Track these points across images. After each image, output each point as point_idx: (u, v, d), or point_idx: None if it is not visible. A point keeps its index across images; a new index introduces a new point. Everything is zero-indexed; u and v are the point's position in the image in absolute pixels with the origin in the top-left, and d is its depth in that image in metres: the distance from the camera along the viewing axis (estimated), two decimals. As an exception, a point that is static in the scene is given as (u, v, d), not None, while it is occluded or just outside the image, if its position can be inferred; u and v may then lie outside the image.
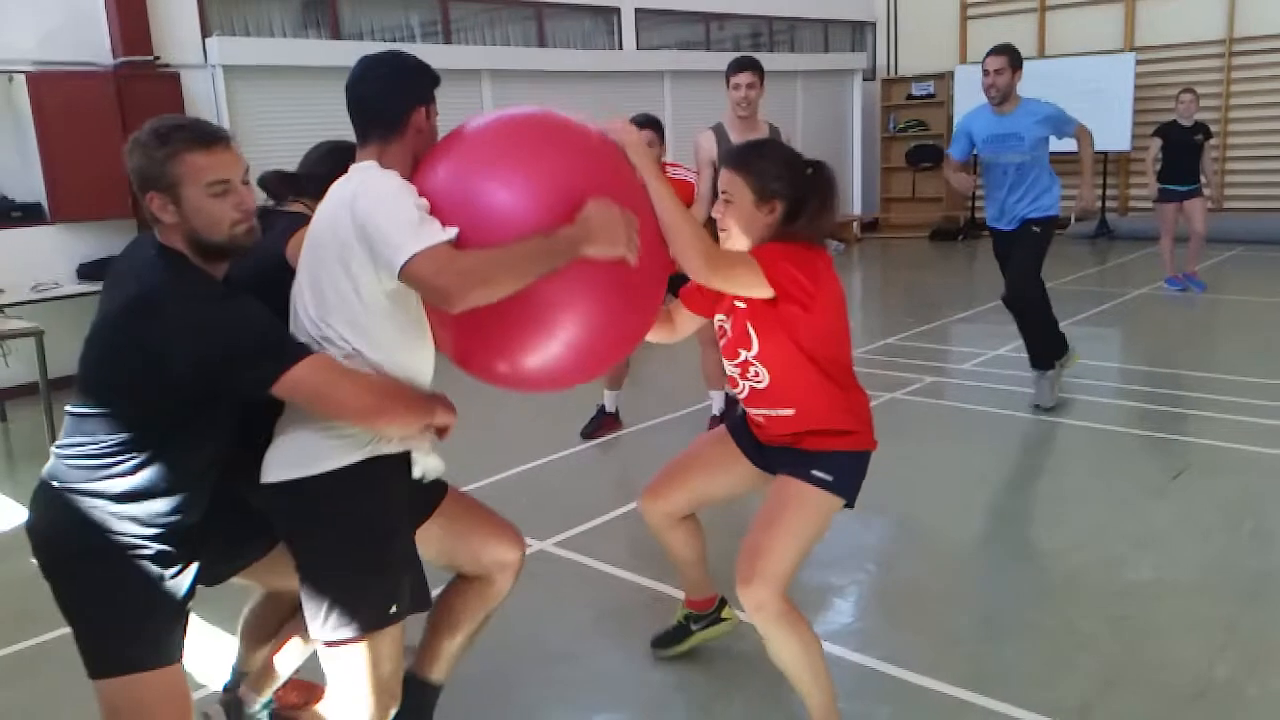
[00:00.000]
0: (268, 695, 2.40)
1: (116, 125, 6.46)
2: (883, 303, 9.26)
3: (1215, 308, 7.55)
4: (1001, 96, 4.83)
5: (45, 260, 6.47)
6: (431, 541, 2.19)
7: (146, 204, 1.84)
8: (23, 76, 6.30)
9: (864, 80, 12.62)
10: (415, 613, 2.04)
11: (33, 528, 1.89)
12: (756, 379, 2.32)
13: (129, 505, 1.84)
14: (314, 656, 2.26)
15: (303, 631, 2.33)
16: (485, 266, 1.75)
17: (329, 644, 1.90)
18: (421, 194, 1.85)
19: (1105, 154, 10.89)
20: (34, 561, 1.89)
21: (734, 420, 2.59)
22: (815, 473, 2.26)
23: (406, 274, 1.74)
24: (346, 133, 2.07)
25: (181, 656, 1.93)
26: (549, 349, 1.95)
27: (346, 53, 6.51)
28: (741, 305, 2.30)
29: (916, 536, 3.70)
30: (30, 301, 6.04)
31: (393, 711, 1.99)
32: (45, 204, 6.48)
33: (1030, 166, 4.83)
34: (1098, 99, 10.43)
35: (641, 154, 2.06)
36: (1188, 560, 3.34)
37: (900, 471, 4.27)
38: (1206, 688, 2.57)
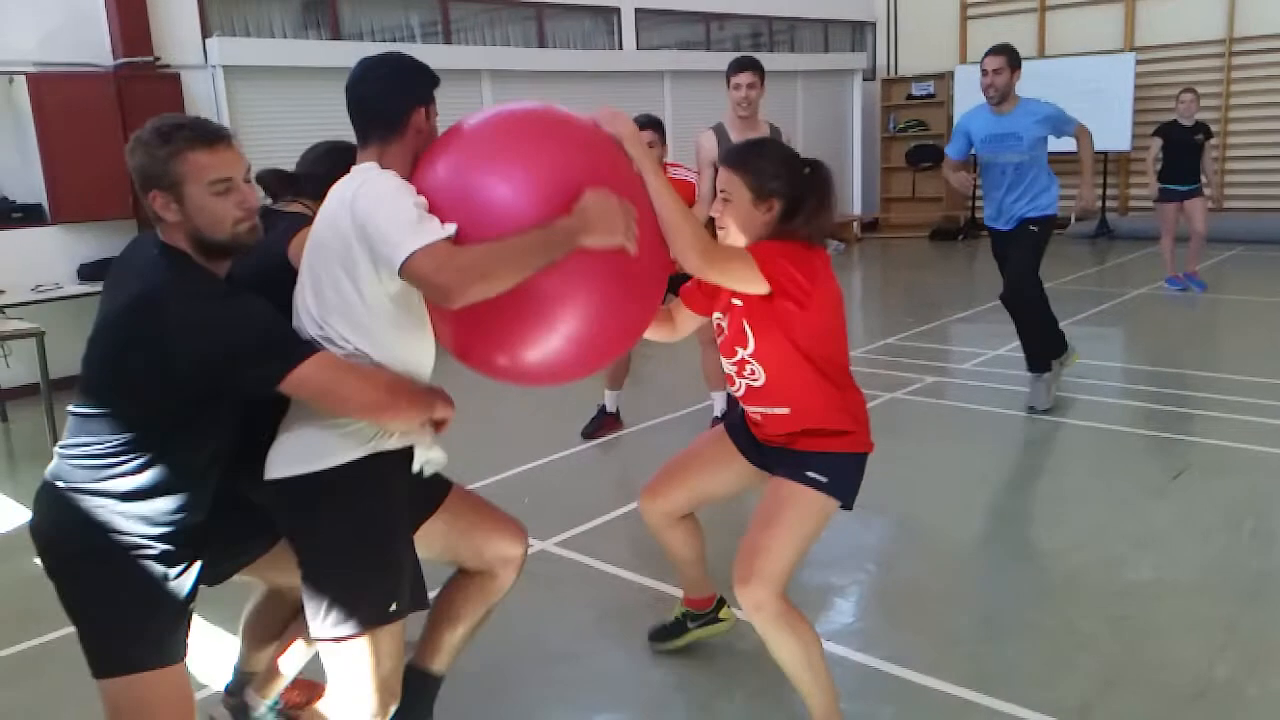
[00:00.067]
0: (273, 698, 2.41)
1: (117, 126, 6.46)
2: (883, 302, 9.26)
3: (1215, 307, 7.56)
4: (1000, 96, 4.83)
5: (46, 261, 6.47)
6: (436, 537, 2.20)
7: (149, 203, 1.84)
8: (23, 77, 6.30)
9: (864, 80, 12.62)
10: (413, 611, 2.04)
11: (36, 528, 1.89)
12: (753, 377, 2.32)
13: (135, 504, 1.85)
14: (317, 657, 2.26)
15: (306, 634, 2.34)
16: (484, 261, 1.76)
17: (329, 640, 1.91)
18: (420, 191, 1.86)
19: (1105, 154, 10.89)
20: (37, 561, 1.89)
21: (731, 419, 2.60)
22: (810, 474, 2.27)
23: (406, 271, 1.75)
24: (347, 133, 2.08)
25: (185, 656, 1.93)
26: (549, 341, 1.95)
27: (346, 53, 6.51)
28: (738, 303, 2.31)
29: (917, 536, 3.70)
30: (31, 302, 6.04)
31: (393, 708, 2.00)
32: (46, 205, 6.48)
33: (1029, 166, 4.84)
34: (1098, 99, 10.43)
35: (637, 146, 2.06)
36: (1188, 560, 3.34)
37: (901, 471, 4.28)
38: (1207, 687, 2.58)
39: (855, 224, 12.45)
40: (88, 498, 1.83)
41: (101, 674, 1.86)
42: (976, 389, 5.48)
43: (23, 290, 6.18)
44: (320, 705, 1.98)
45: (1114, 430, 4.71)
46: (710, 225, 2.35)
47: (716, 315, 2.43)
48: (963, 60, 12.05)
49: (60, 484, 1.85)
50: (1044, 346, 5.02)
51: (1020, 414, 4.98)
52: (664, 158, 4.64)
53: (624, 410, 5.12)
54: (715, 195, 2.35)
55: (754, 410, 2.40)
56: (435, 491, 2.22)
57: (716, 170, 2.39)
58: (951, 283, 9.56)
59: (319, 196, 2.16)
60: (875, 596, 3.28)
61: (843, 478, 2.30)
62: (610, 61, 9.81)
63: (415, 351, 1.97)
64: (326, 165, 2.39)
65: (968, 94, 10.22)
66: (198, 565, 1.97)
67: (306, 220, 2.08)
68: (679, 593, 2.90)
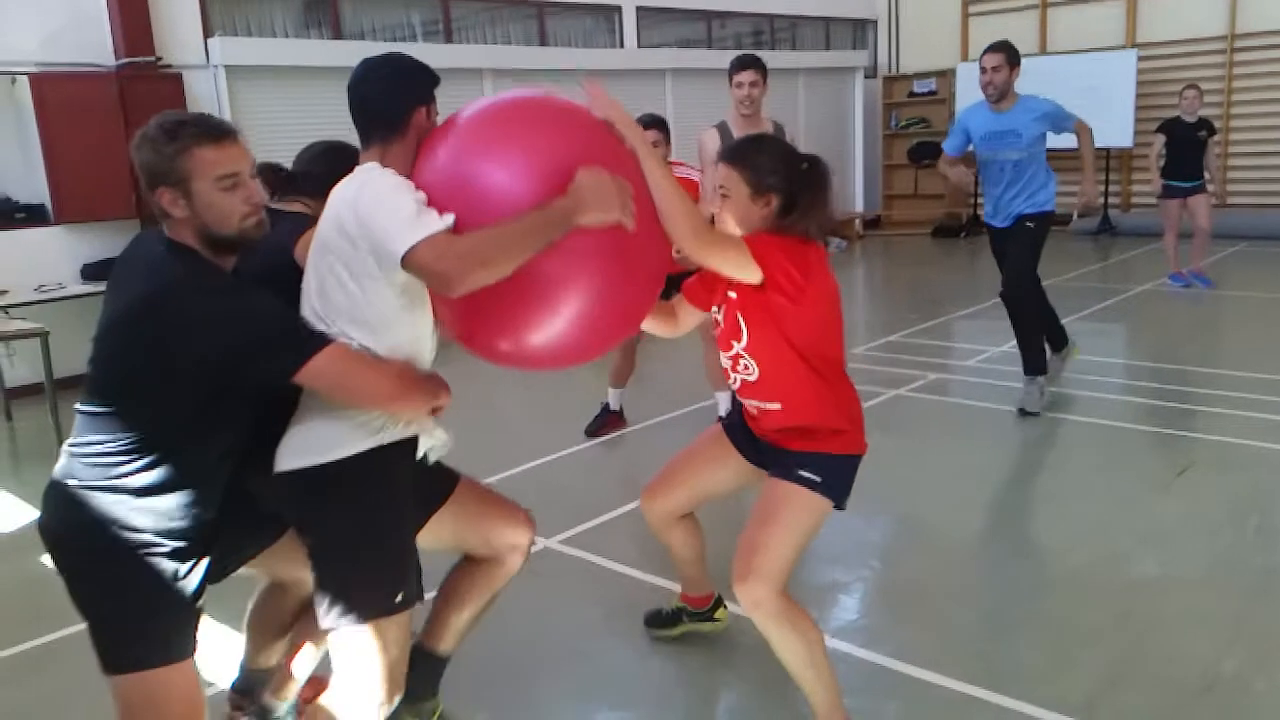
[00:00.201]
0: (291, 699, 2.43)
1: (119, 126, 6.47)
2: (886, 299, 9.26)
3: (1218, 303, 7.55)
4: (999, 94, 4.82)
5: (49, 261, 6.48)
6: (445, 527, 2.23)
7: (156, 199, 1.85)
8: (26, 78, 6.31)
9: (865, 78, 12.62)
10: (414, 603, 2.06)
11: (46, 526, 1.90)
12: (747, 372, 2.34)
13: (149, 499, 1.85)
14: (328, 656, 2.27)
15: (315, 635, 2.36)
16: (483, 247, 1.79)
17: (337, 629, 1.94)
18: (418, 183, 1.89)
19: (1107, 150, 10.89)
20: (43, 560, 1.90)
21: (729, 416, 2.61)
22: (803, 473, 2.27)
23: (408, 263, 1.79)
24: (349, 132, 2.09)
25: (194, 652, 1.95)
26: (551, 324, 1.96)
27: (348, 52, 6.52)
28: (733, 295, 2.31)
29: (921, 533, 3.70)
30: (35, 302, 6.05)
31: (397, 698, 2.02)
32: (49, 205, 6.50)
33: (1027, 164, 4.83)
34: (1099, 95, 10.42)
35: (629, 127, 2.06)
36: (1193, 556, 3.34)
37: (904, 468, 4.28)
38: (1213, 683, 2.57)
39: (857, 221, 12.45)
40: (101, 495, 1.84)
41: (112, 670, 1.87)
42: (979, 386, 5.48)
43: (26, 290, 6.19)
44: (324, 699, 1.99)
45: (1118, 426, 4.71)
46: (712, 222, 2.35)
47: (715, 309, 2.44)
48: (964, 57, 12.04)
49: (72, 482, 1.86)
50: (1038, 347, 4.99)
51: (1024, 410, 4.98)
52: (668, 156, 4.64)
53: (627, 408, 5.12)
54: None
55: (749, 404, 2.41)
56: (444, 484, 2.25)
57: None
58: (954, 280, 9.55)
59: (317, 195, 2.18)
60: (879, 593, 3.28)
61: (835, 478, 2.30)
62: (611, 60, 9.81)
63: (418, 346, 2.00)
64: (324, 165, 2.41)
65: (969, 91, 10.18)
66: (206, 561, 1.98)
67: (311, 220, 2.09)
68: (680, 588, 2.92)
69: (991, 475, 4.32)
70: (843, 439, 2.32)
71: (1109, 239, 10.92)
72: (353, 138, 2.09)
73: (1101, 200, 10.98)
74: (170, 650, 1.89)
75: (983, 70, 4.84)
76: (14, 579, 3.63)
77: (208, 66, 7.13)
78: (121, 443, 1.83)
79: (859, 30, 13.14)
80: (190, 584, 1.93)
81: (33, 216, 6.48)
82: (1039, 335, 4.99)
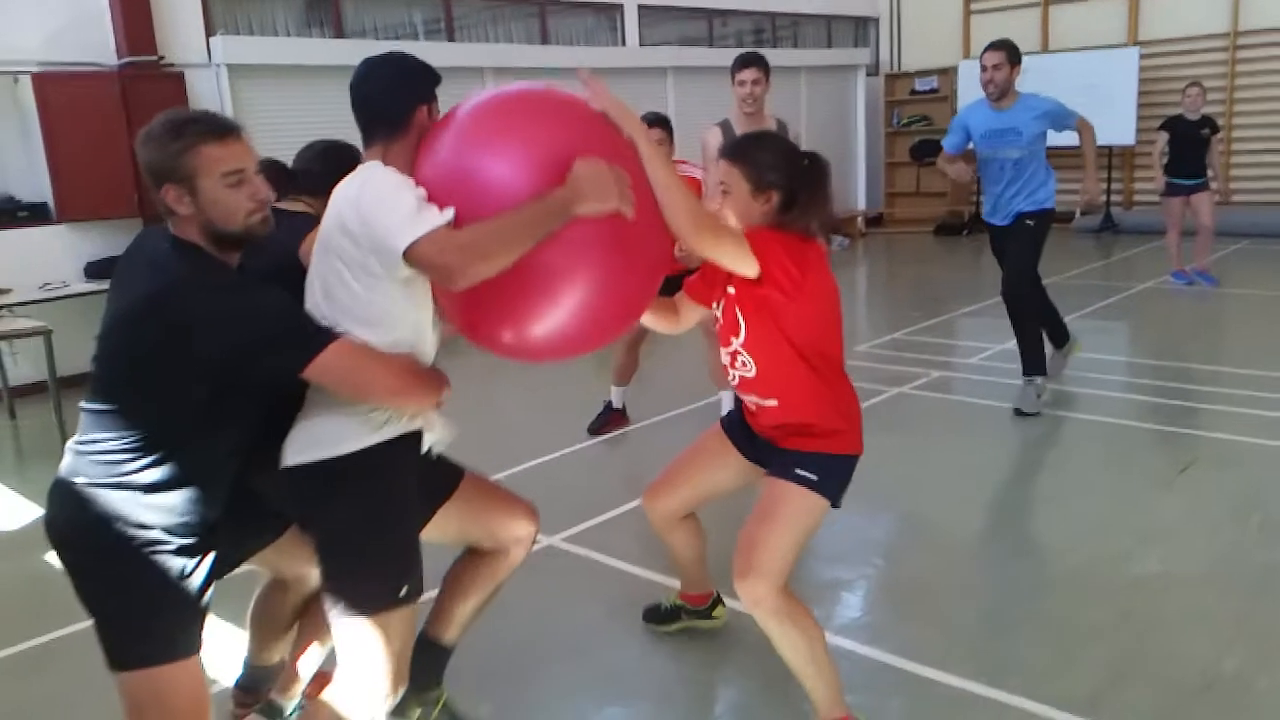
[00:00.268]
0: (297, 697, 2.44)
1: (122, 125, 6.49)
2: (888, 297, 9.26)
3: (1221, 301, 7.54)
4: (999, 92, 4.81)
5: (52, 259, 6.49)
6: (450, 521, 2.26)
7: (161, 197, 1.86)
8: (28, 77, 6.32)
9: (867, 75, 12.61)
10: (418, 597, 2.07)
11: (52, 524, 1.91)
12: (744, 368, 2.35)
13: (158, 496, 1.87)
14: (332, 654, 2.28)
15: (319, 632, 2.37)
16: (483, 239, 1.80)
17: (342, 621, 1.96)
18: (418, 178, 1.91)
19: (1110, 148, 10.89)
20: (47, 558, 1.90)
21: (729, 415, 2.63)
22: (800, 472, 2.28)
23: (410, 258, 1.81)
24: (351, 130, 2.10)
25: (200, 649, 1.95)
26: (553, 314, 1.97)
27: (350, 51, 6.53)
28: (732, 291, 2.32)
29: (924, 530, 3.70)
30: (38, 301, 6.07)
31: (401, 691, 2.04)
32: (52, 204, 6.51)
33: (1028, 162, 4.82)
34: (1101, 93, 10.41)
35: (626, 117, 2.06)
36: (1196, 554, 3.34)
37: (907, 466, 4.28)
38: (1215, 680, 2.58)
39: (859, 219, 12.45)
40: (109, 492, 1.85)
41: (118, 668, 1.88)
42: (982, 384, 5.48)
43: (30, 289, 6.21)
44: (327, 692, 2.01)
45: (1120, 424, 4.71)
46: None
47: (715, 305, 2.44)
48: (966, 55, 12.02)
49: (79, 480, 1.86)
50: (1040, 349, 4.97)
51: (1026, 408, 4.98)
52: (671, 155, 4.64)
53: (630, 406, 5.12)
54: None
55: (748, 399, 2.43)
56: (448, 479, 2.27)
57: None
58: (957, 277, 9.55)
59: (318, 194, 2.20)
60: (882, 590, 3.29)
61: (832, 477, 2.31)
62: (613, 58, 9.81)
63: (421, 341, 2.02)
64: (324, 164, 2.43)
65: (971, 89, 10.15)
66: (211, 557, 1.99)
67: (315, 220, 2.10)
68: (680, 586, 2.94)
69: (994, 473, 4.32)
70: (840, 439, 2.32)
71: (1111, 237, 10.92)
72: (355, 136, 2.10)
73: (1104, 198, 10.98)
74: (176, 647, 1.90)
75: (983, 68, 4.83)
76: (19, 576, 3.64)
77: (210, 65, 7.14)
78: (129, 440, 1.84)
79: (861, 28, 13.13)
80: (196, 581, 1.94)
81: (35, 215, 6.50)
82: (1038, 335, 4.98)
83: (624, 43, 10.20)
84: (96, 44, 6.68)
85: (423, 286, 1.95)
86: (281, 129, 7.09)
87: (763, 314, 2.25)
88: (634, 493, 4.00)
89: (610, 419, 5.04)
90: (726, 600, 2.89)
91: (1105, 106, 10.05)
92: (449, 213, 1.83)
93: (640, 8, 10.24)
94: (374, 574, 1.96)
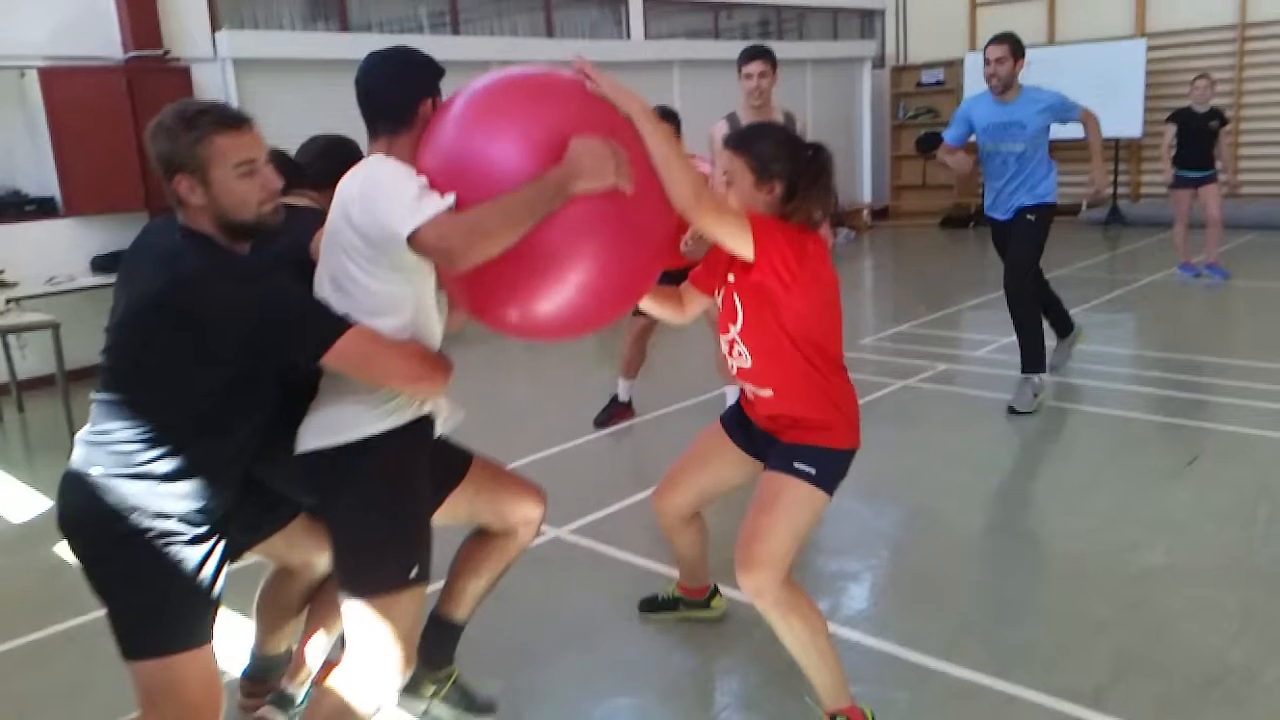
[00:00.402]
0: (307, 685, 2.46)
1: (128, 119, 6.50)
2: (894, 290, 9.25)
3: (1229, 293, 7.52)
4: (1003, 85, 4.79)
5: (60, 253, 6.51)
6: (461, 504, 2.30)
7: (173, 187, 1.87)
8: (35, 71, 6.33)
9: (873, 68, 12.58)
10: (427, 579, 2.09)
11: (64, 515, 1.92)
12: (740, 357, 2.36)
13: (176, 484, 1.88)
14: (338, 645, 2.30)
15: (327, 620, 2.39)
16: (483, 221, 1.83)
17: (353, 603, 1.99)
18: (421, 166, 1.94)
19: (1117, 141, 10.85)
20: (57, 549, 1.92)
21: (726, 412, 2.64)
22: (799, 465, 2.29)
23: (414, 244, 1.84)
24: (356, 124, 2.12)
25: (212, 638, 1.98)
26: (558, 292, 1.98)
27: (355, 45, 6.54)
28: (732, 278, 2.33)
29: (930, 523, 3.70)
30: (46, 294, 6.08)
31: (408, 674, 2.06)
32: (58, 197, 6.53)
33: (1030, 156, 4.79)
34: (1109, 86, 10.37)
35: (624, 97, 2.06)
36: (1203, 546, 3.34)
37: (913, 458, 4.28)
38: (1222, 673, 2.58)
39: (865, 212, 12.43)
40: (128, 482, 1.86)
41: (132, 656, 1.90)
42: (988, 376, 5.47)
43: (37, 282, 6.23)
44: (333, 676, 2.02)
45: (1126, 417, 4.70)
46: None
47: (717, 294, 2.45)
48: (972, 47, 11.98)
49: (95, 470, 1.88)
50: (1039, 346, 4.91)
51: (1032, 401, 4.97)
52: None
53: (636, 399, 5.13)
54: None
55: (746, 388, 2.44)
56: (458, 464, 2.31)
57: None
58: (963, 270, 9.53)
59: (322, 188, 2.21)
60: (888, 582, 3.29)
61: (829, 471, 2.32)
62: (618, 51, 9.80)
63: (428, 329, 2.04)
64: (326, 160, 2.47)
65: (977, 82, 10.12)
66: (223, 546, 2.01)
67: (321, 214, 2.12)
68: (679, 578, 2.97)
69: (1000, 465, 4.32)
70: (836, 433, 2.33)
71: (1118, 229, 10.88)
72: (360, 130, 2.12)
73: (1110, 190, 10.94)
74: (189, 636, 1.92)
75: (986, 61, 4.81)
76: (29, 568, 3.66)
77: (215, 60, 7.15)
78: (145, 430, 1.86)
79: (866, 20, 13.09)
80: (209, 570, 1.96)
81: (42, 209, 6.51)
82: (1039, 332, 4.93)
83: (629, 36, 10.19)
84: (102, 38, 6.68)
85: (427, 273, 1.97)
86: (287, 123, 7.07)
87: (760, 303, 2.26)
88: (640, 485, 4.02)
89: (616, 412, 5.05)
90: (730, 592, 2.90)
91: (1112, 99, 10.02)
92: (450, 198, 1.86)
93: (645, 1, 10.22)
94: (385, 555, 1.99)
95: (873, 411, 4.90)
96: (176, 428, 1.87)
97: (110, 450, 1.87)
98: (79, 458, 1.91)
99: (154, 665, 1.89)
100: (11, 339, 5.86)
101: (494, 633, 2.82)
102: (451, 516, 2.29)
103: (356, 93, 2.05)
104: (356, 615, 1.99)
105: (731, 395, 4.86)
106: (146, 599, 1.89)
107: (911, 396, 5.22)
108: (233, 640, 2.78)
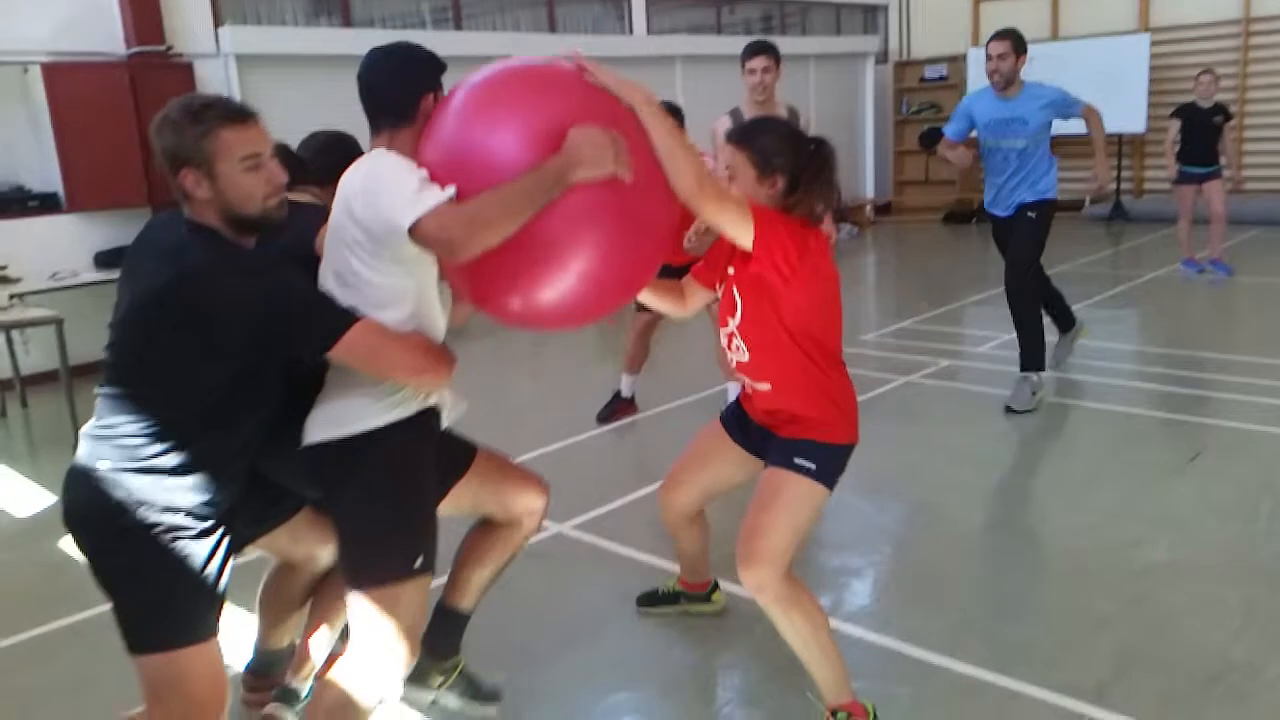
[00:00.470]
0: (311, 679, 2.46)
1: (131, 115, 6.51)
2: (897, 286, 9.24)
3: (1232, 289, 7.51)
4: (1005, 81, 4.77)
5: (63, 249, 6.52)
6: (465, 495, 2.32)
7: (179, 181, 1.87)
8: (38, 67, 6.34)
9: (876, 63, 12.55)
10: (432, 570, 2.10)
11: (70, 509, 1.92)
12: (739, 351, 2.36)
13: (184, 478, 1.89)
14: (343, 636, 2.30)
15: (330, 614, 2.39)
16: (483, 211, 1.84)
17: (357, 592, 2.00)
18: (422, 159, 1.95)
19: (1120, 136, 10.82)
20: (62, 544, 1.92)
21: (725, 410, 2.65)
22: (798, 460, 2.29)
23: (415, 235, 1.85)
24: (359, 120, 2.12)
25: (218, 633, 1.98)
26: (559, 281, 1.99)
27: (358, 41, 6.53)
28: (732, 271, 2.33)
29: (932, 518, 3.71)
30: (49, 290, 6.09)
31: (410, 664, 2.07)
32: (62, 193, 6.53)
33: (1031, 152, 4.77)
34: (1112, 81, 10.36)
35: (625, 87, 2.06)
36: (1205, 542, 3.33)
37: (915, 454, 4.28)
38: (1224, 669, 2.58)
39: (868, 207, 12.41)
40: (136, 477, 1.87)
41: (137, 651, 1.91)
42: (991, 372, 5.47)
43: (40, 278, 6.23)
44: (336, 669, 2.03)
45: (1129, 413, 4.70)
46: None
47: (718, 287, 2.45)
48: (975, 43, 11.95)
49: (103, 464, 1.88)
50: (1039, 344, 4.89)
51: (1035, 397, 4.96)
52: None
53: (638, 395, 5.13)
54: None
55: (745, 381, 2.44)
56: (463, 456, 2.33)
57: None
58: (965, 266, 9.52)
59: (324, 185, 2.22)
60: (891, 578, 3.29)
61: (829, 466, 2.32)
62: (621, 47, 9.79)
63: (431, 321, 2.05)
64: (326, 156, 2.48)
65: (981, 77, 10.09)
66: (227, 540, 2.01)
67: (324, 210, 2.12)
68: (680, 573, 2.99)
69: (1002, 461, 4.32)
70: (835, 428, 2.33)
71: (1121, 225, 10.86)
72: (363, 125, 2.12)
73: (1113, 185, 10.92)
74: (195, 631, 1.92)
75: (988, 57, 4.80)
76: (32, 563, 3.67)
77: (218, 55, 7.15)
78: (152, 423, 1.86)
79: (869, 15, 13.07)
80: (214, 565, 1.96)
81: (46, 204, 6.52)
82: (1039, 330, 4.90)
83: (631, 31, 10.18)
84: (105, 34, 6.69)
85: (429, 265, 1.98)
86: (290, 119, 7.06)
87: (759, 296, 2.26)
88: (642, 481, 4.02)
89: (619, 407, 5.05)
90: (732, 587, 2.90)
91: (1116, 94, 10.00)
92: (451, 190, 1.87)
93: (648, -4, 10.21)
94: (391, 546, 2.01)
95: (875, 407, 4.90)
96: (182, 422, 1.88)
97: (116, 444, 1.88)
98: (85, 452, 1.92)
99: (160, 659, 1.90)
100: (15, 334, 5.87)
101: (496, 629, 2.83)
102: (456, 507, 2.31)
103: (359, 88, 2.06)
104: (361, 606, 2.01)
105: (733, 392, 4.86)
106: (152, 593, 1.90)
107: (914, 392, 5.22)
108: (235, 635, 2.79)
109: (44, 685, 2.85)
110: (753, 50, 4.52)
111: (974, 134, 4.98)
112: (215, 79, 7.10)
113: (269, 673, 2.55)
